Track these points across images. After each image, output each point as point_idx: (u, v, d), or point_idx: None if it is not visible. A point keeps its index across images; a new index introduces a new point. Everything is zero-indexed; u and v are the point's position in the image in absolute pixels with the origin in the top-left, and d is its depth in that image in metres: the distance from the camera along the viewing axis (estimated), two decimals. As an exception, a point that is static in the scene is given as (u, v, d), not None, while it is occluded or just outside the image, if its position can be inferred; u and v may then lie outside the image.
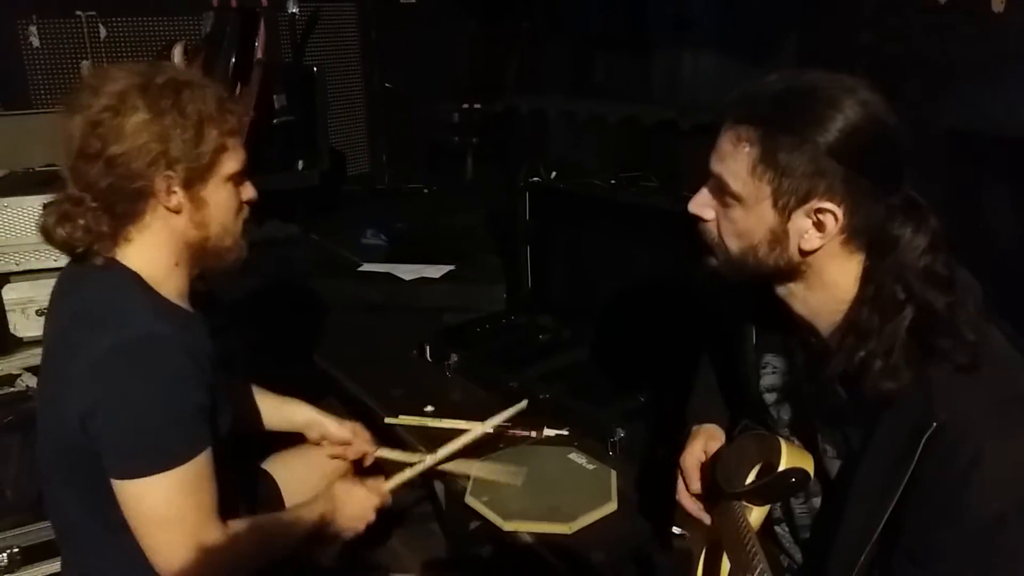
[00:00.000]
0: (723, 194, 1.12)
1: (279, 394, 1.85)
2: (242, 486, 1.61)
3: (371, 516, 1.66)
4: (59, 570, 2.09)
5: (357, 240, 3.40)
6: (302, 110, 3.51)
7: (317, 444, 1.84)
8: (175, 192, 1.32)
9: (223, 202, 1.37)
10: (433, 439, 1.96)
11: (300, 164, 3.54)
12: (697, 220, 1.18)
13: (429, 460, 1.80)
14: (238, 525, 1.40)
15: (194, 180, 1.33)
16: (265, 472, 1.78)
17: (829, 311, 1.13)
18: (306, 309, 2.73)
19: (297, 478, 1.78)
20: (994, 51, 1.85)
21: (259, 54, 3.43)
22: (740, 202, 1.09)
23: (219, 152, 1.33)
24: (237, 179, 1.39)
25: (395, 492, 1.75)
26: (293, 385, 2.04)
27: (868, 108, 1.04)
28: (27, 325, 2.49)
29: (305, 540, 1.55)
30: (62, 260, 2.04)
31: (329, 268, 3.13)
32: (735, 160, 1.08)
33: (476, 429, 1.88)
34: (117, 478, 1.27)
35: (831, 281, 1.11)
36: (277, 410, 1.83)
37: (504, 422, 1.93)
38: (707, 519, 1.33)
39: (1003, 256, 1.74)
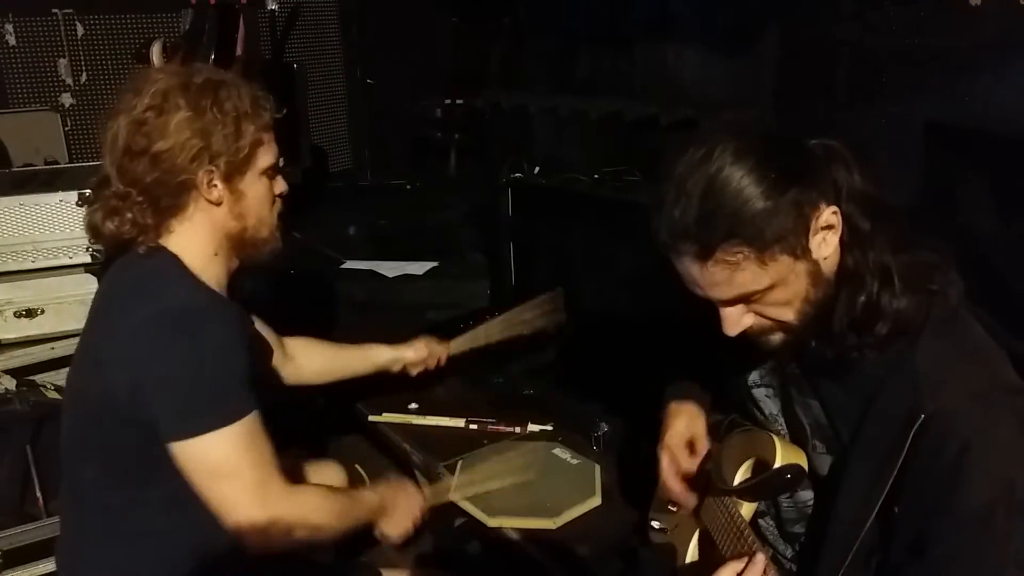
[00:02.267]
0: (752, 298, 1.09)
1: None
2: None
3: (411, 523, 1.64)
4: (43, 573, 2.08)
5: (340, 237, 3.38)
6: (283, 107, 3.49)
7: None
8: (216, 185, 1.39)
9: (259, 194, 1.44)
10: (417, 436, 1.96)
11: (281, 161, 3.52)
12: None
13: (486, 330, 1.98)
14: (303, 487, 1.51)
15: (233, 173, 1.40)
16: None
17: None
18: (288, 306, 2.71)
19: None
20: (972, 43, 1.86)
21: (239, 51, 3.39)
22: (773, 287, 1.07)
23: (256, 146, 1.41)
24: (271, 172, 1.46)
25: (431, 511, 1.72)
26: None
27: (739, 148, 1.04)
28: (5, 327, 2.46)
29: (358, 522, 1.55)
30: (41, 261, 2.04)
31: (312, 265, 3.11)
32: (742, 273, 1.05)
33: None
34: (176, 439, 1.31)
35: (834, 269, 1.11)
36: (362, 357, 2.00)
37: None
38: (692, 503, 1.33)
39: (981, 247, 1.75)
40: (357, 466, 1.92)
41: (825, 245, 1.08)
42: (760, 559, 1.04)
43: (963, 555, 1.02)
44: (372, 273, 2.94)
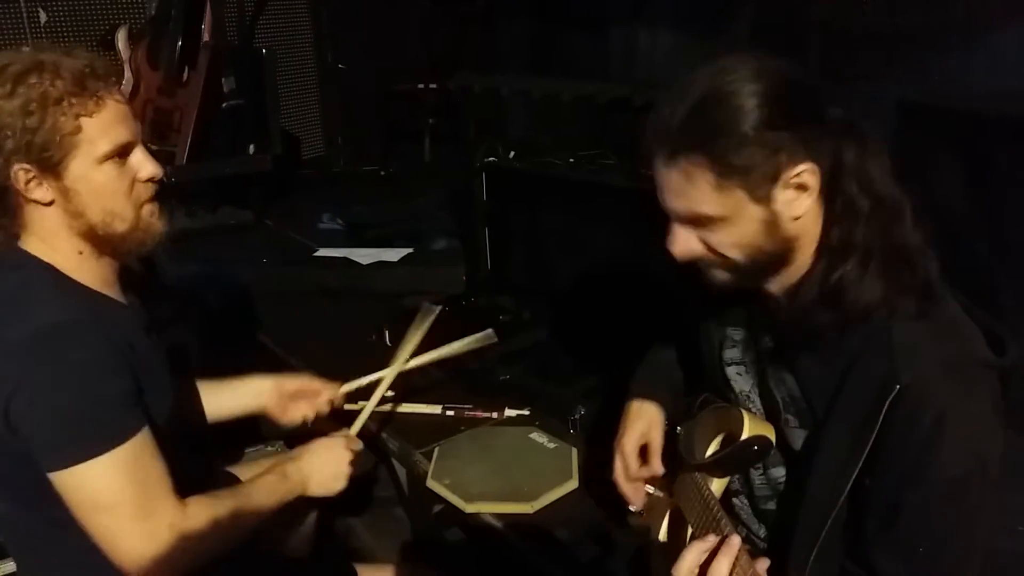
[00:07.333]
0: (701, 223, 1.09)
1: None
2: (203, 485, 1.55)
3: (345, 467, 1.57)
4: (11, 571, 2.05)
5: (313, 225, 3.35)
6: (252, 93, 3.44)
7: (283, 413, 1.74)
8: (39, 185, 1.25)
9: (99, 185, 1.28)
10: (393, 423, 1.95)
11: (252, 148, 3.47)
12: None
13: (388, 373, 1.82)
14: (196, 502, 1.34)
15: (49, 170, 1.24)
16: (230, 474, 1.73)
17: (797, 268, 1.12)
18: (262, 296, 2.68)
19: None
20: (942, 23, 1.87)
21: (206, 36, 3.35)
22: (724, 220, 1.07)
23: (73, 135, 1.24)
24: (116, 158, 1.29)
25: (362, 433, 1.69)
26: (249, 374, 2.00)
27: (763, 72, 1.04)
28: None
29: (276, 508, 1.47)
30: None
31: (285, 254, 3.08)
32: (696, 189, 1.05)
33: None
34: (51, 470, 1.21)
35: (809, 236, 1.10)
36: (235, 393, 1.74)
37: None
38: (641, 502, 1.37)
39: (953, 226, 1.76)
40: None
41: (796, 205, 1.06)
42: (735, 541, 0.99)
43: (936, 527, 1.02)
44: (346, 261, 2.92)
